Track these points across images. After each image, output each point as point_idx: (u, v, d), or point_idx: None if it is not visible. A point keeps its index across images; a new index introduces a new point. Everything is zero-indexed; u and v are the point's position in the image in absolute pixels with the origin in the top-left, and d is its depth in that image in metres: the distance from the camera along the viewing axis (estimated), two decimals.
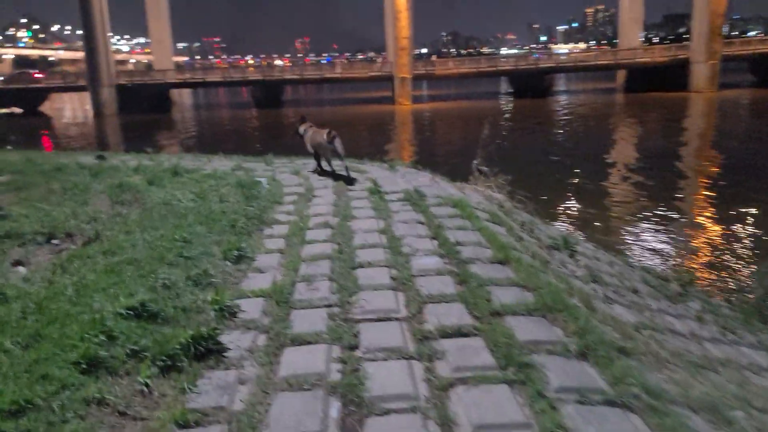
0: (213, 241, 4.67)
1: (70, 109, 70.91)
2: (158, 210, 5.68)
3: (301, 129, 8.27)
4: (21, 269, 4.13)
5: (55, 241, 4.93)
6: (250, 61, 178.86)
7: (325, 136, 7.57)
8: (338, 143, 7.58)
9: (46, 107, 66.13)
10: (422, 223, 5.49)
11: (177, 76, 61.45)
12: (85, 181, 7.18)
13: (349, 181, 7.42)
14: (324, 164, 8.14)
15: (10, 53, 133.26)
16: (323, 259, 4.49)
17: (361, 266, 4.33)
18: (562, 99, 58.52)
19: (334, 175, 7.87)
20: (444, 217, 5.71)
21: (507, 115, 45.59)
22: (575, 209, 16.15)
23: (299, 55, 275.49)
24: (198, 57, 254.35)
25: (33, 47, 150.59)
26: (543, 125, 37.73)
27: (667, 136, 30.42)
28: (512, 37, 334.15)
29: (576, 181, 19.54)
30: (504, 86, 73.61)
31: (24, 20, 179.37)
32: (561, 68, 60.65)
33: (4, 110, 61.52)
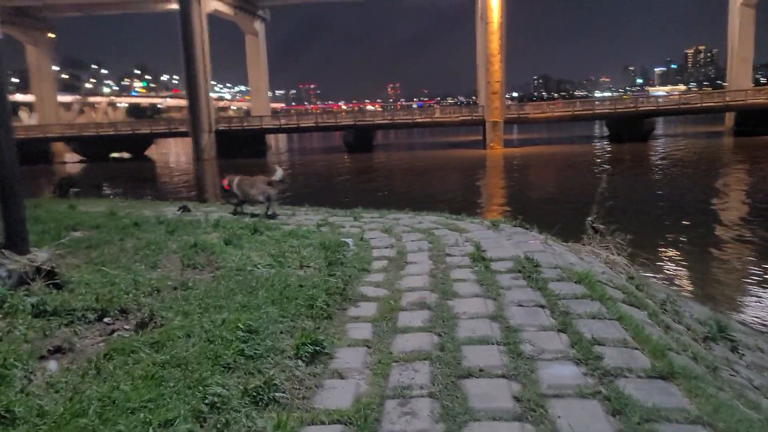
0: (285, 329, 3.79)
1: (173, 154, 74.78)
2: (228, 280, 4.91)
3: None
4: (51, 365, 3.40)
5: (107, 320, 4.22)
6: (343, 106, 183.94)
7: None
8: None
9: (151, 151, 69.95)
10: (543, 307, 4.38)
11: (272, 121, 63.41)
12: (160, 240, 6.60)
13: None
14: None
15: (124, 102, 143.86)
16: (421, 360, 3.49)
17: (471, 374, 3.29)
18: (664, 143, 55.24)
19: (427, 236, 6.92)
20: (569, 297, 4.58)
21: (602, 161, 43.28)
22: (699, 272, 14.23)
23: (390, 99, 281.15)
24: (294, 103, 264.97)
25: (144, 96, 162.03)
26: (645, 172, 35.26)
27: None
28: (606, 79, 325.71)
29: (691, 236, 17.53)
30: (598, 130, 70.78)
31: (137, 71, 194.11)
32: (663, 111, 57.54)
33: (115, 154, 65.63)
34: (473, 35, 61.33)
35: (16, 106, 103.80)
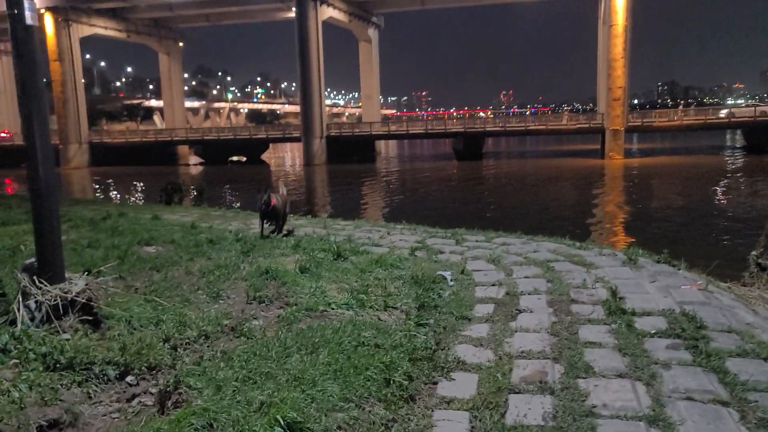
0: (344, 422, 2.69)
1: (289, 158, 76.74)
2: (289, 328, 3.89)
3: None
4: None
5: (130, 379, 3.33)
6: (453, 113, 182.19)
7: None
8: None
9: (267, 155, 72.18)
10: (726, 405, 2.98)
11: (381, 128, 63.29)
12: (231, 262, 5.75)
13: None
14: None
15: (245, 107, 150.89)
16: None
17: None
18: None
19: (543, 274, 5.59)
20: (763, 389, 3.14)
21: (743, 174, 38.90)
22: None
23: (503, 107, 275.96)
24: (405, 109, 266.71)
25: (264, 102, 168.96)
26: None
27: None
28: (740, 86, 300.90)
29: None
30: (731, 140, 64.55)
31: (259, 78, 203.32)
32: None
33: (233, 158, 68.30)
34: (593, 40, 57.86)
35: (151, 111, 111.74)
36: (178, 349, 3.62)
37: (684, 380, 3.25)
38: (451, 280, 5.34)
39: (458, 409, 3.01)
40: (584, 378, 3.33)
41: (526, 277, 5.48)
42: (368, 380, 3.06)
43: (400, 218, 9.90)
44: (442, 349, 3.75)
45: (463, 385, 3.26)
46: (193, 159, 69.61)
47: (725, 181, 34.09)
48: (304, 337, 3.61)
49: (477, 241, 7.35)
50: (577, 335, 3.99)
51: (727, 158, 50.85)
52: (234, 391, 2.88)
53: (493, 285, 5.29)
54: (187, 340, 3.78)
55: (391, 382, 3.10)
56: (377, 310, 4.54)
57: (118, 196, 36.05)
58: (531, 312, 4.52)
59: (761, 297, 6.04)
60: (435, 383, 3.31)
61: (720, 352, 3.60)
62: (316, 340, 3.55)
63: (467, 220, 9.78)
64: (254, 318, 4.47)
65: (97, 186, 45.58)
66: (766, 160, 45.27)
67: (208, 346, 3.69)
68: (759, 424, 2.77)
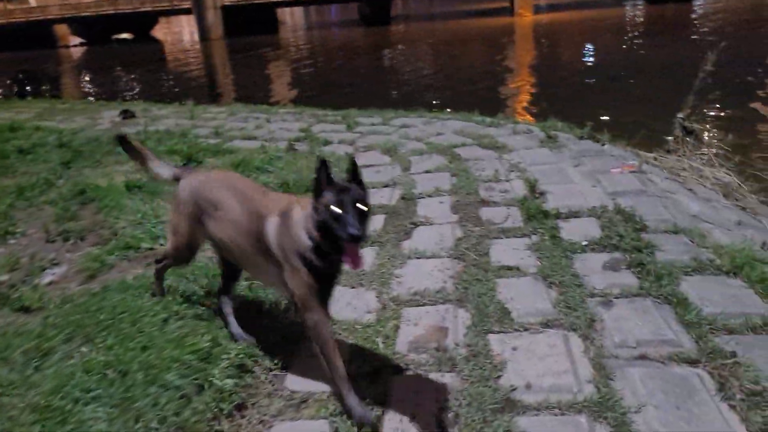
0: None
1: (187, 33, 70.24)
2: (69, 300, 2.67)
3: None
4: None
5: None
6: None
7: None
8: None
9: (157, 32, 65.84)
10: (692, 363, 2.09)
11: None
12: (40, 181, 4.33)
13: None
14: None
15: None
16: None
17: None
18: (708, 3, 49.49)
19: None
20: (737, 328, 2.27)
21: (640, 26, 38.70)
22: None
23: None
24: None
25: None
26: (682, 35, 30.83)
27: None
28: None
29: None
30: None
31: None
32: None
33: (118, 36, 61.81)
34: None
35: None
36: None
37: (633, 324, 2.33)
38: None
39: (312, 418, 1.98)
40: (498, 333, 2.35)
41: (426, 172, 4.40)
42: (169, 390, 1.93)
43: (304, 97, 8.51)
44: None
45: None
46: (74, 40, 62.54)
47: (632, 35, 33.75)
48: (86, 311, 2.40)
49: (372, 124, 6.14)
50: (488, 257, 2.99)
51: (630, 9, 50.63)
52: None
53: (386, 186, 4.19)
54: None
55: (207, 387, 1.99)
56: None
57: None
58: (430, 225, 3.47)
59: (692, 168, 5.30)
60: (285, 368, 2.24)
61: (672, 269, 2.70)
62: (102, 316, 2.34)
63: (372, 95, 8.53)
64: (53, 266, 3.21)
65: None
66: (667, 10, 45.24)
67: None
68: (747, 400, 1.89)
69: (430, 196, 3.92)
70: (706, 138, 6.22)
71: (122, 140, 2.70)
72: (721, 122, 7.35)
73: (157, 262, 2.57)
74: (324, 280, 1.95)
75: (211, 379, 2.00)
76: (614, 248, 2.96)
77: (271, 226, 2.01)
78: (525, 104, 11.54)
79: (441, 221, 3.50)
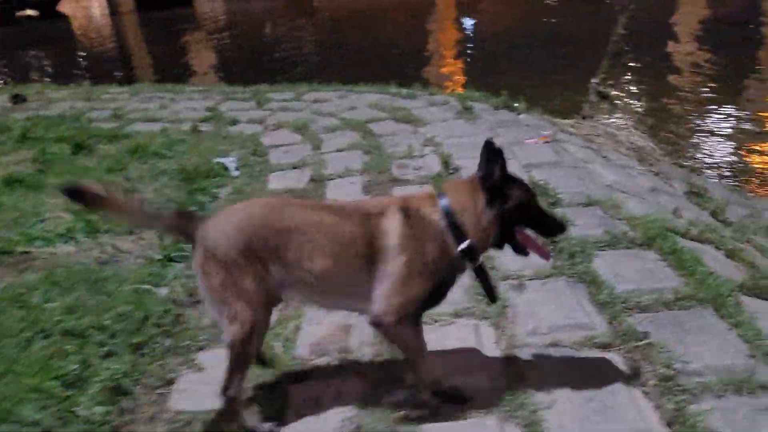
0: None
1: (97, 7, 66.34)
2: None
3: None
4: None
5: None
6: None
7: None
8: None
9: (64, 7, 61.92)
10: (604, 347, 2.00)
11: None
12: None
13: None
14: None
15: None
16: None
17: None
18: None
19: None
20: (647, 306, 2.19)
21: None
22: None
23: None
24: None
25: None
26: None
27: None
28: None
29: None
30: None
31: None
32: None
33: (21, 13, 57.75)
34: None
35: None
36: None
37: (545, 309, 2.22)
38: (237, 168, 3.91)
39: None
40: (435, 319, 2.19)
41: (338, 151, 4.18)
42: (25, 426, 1.67)
43: (220, 73, 8.00)
44: (200, 302, 2.41)
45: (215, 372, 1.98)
46: None
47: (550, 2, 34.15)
48: None
49: (284, 100, 5.84)
50: None
51: None
52: None
53: (295, 168, 3.95)
54: None
55: (73, 419, 1.73)
56: (118, 235, 3.05)
57: None
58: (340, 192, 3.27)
59: (607, 133, 5.32)
60: (171, 384, 2.01)
61: (585, 245, 2.61)
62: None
63: (290, 66, 8.14)
64: None
65: None
66: None
67: None
68: (660, 386, 1.80)
69: (340, 176, 3.71)
70: (621, 103, 6.27)
71: (72, 193, 1.74)
72: (634, 87, 7.41)
73: (226, 389, 1.71)
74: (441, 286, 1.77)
75: (74, 409, 1.74)
76: None
77: (393, 223, 1.71)
78: (445, 73, 11.38)
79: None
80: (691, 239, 2.75)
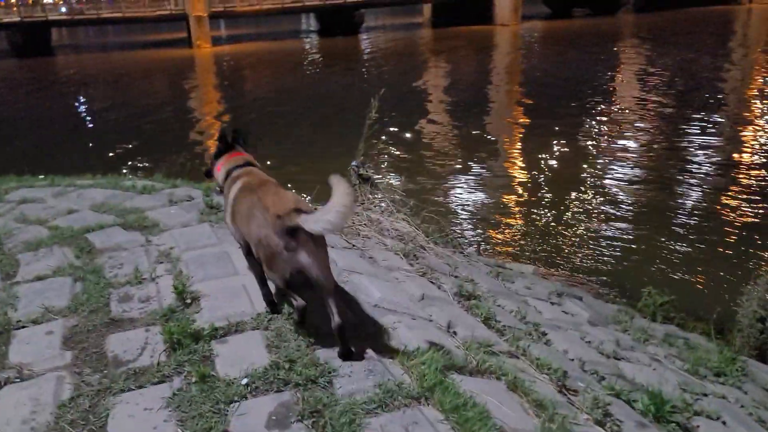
0: None
1: None
2: None
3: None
4: None
5: None
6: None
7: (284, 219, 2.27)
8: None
9: None
10: None
11: None
12: None
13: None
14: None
15: None
16: None
17: None
18: (372, 36, 55.17)
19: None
20: None
21: (317, 57, 41.26)
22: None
23: None
24: None
25: None
26: (355, 67, 33.49)
27: (478, 71, 27.49)
28: None
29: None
30: (305, 24, 68.45)
31: None
32: (370, 3, 57.02)
33: None
34: None
35: None
36: None
37: None
38: None
39: None
40: None
41: (38, 279, 3.17)
42: None
43: None
44: None
45: None
46: None
47: (311, 66, 35.34)
48: None
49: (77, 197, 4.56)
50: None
51: (306, 42, 53.50)
52: None
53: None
54: None
55: None
56: None
57: None
58: (22, 380, 2.31)
59: (371, 221, 5.04)
60: None
61: (354, 410, 2.05)
62: None
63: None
64: None
65: None
66: (338, 42, 48.94)
67: None
68: None
69: (35, 322, 2.74)
70: (382, 185, 6.09)
71: None
72: (393, 165, 7.44)
73: None
74: None
75: None
76: (283, 383, 2.22)
77: None
78: (198, 148, 10.61)
79: (42, 369, 2.38)
80: (470, 373, 2.37)
